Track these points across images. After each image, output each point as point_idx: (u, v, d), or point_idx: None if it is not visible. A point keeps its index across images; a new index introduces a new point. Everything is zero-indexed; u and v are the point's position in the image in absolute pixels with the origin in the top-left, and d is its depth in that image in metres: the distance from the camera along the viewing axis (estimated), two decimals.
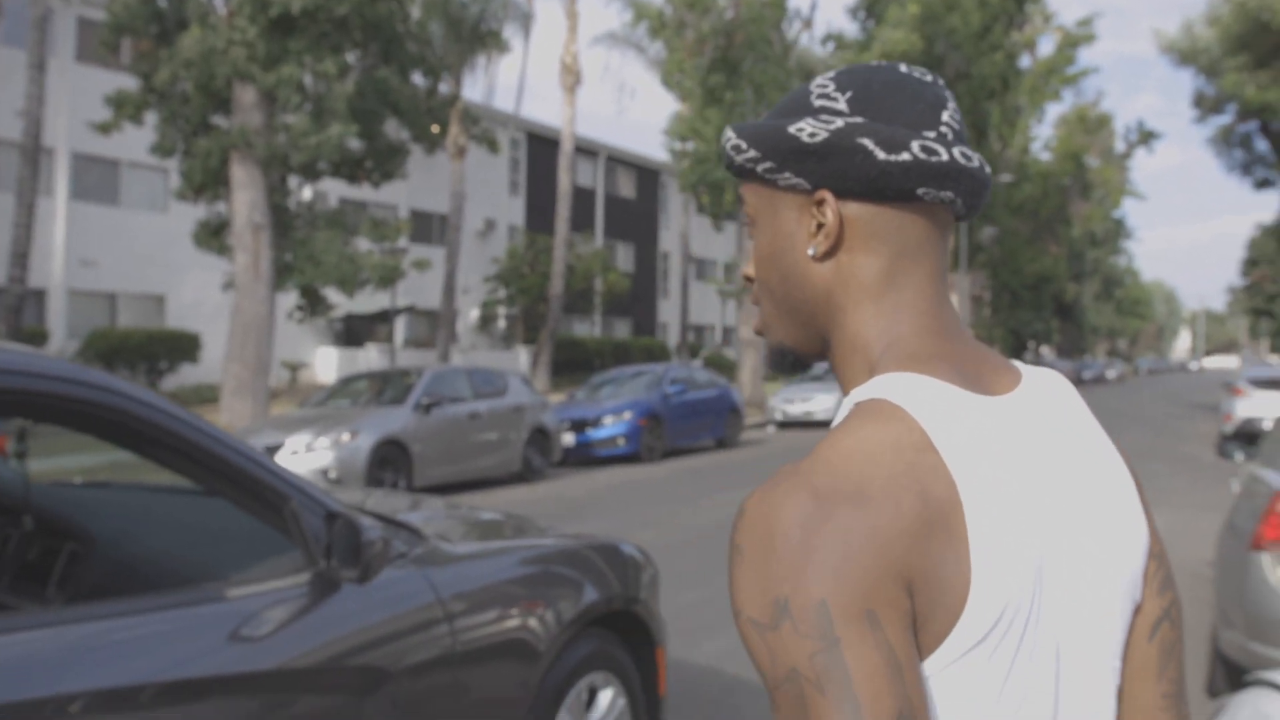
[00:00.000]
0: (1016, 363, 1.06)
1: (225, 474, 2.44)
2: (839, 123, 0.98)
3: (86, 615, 2.16)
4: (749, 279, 1.12)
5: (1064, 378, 1.07)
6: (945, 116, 1.01)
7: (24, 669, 1.95)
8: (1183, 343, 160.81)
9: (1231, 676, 5.82)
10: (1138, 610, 1.04)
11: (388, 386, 14.35)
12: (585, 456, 17.26)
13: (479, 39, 28.73)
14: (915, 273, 1.01)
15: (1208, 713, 3.94)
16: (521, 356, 36.69)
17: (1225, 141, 30.01)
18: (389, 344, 32.92)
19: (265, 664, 2.34)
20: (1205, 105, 29.85)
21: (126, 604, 2.25)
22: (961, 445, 0.90)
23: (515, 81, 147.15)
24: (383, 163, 16.81)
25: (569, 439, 17.03)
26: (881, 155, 0.97)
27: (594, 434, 17.15)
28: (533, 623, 3.23)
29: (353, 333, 34.91)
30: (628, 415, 17.42)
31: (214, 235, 16.04)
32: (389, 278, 15.55)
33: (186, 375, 27.52)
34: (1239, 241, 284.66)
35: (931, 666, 0.87)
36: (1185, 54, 30.26)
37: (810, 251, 1.02)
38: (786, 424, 26.23)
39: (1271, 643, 5.12)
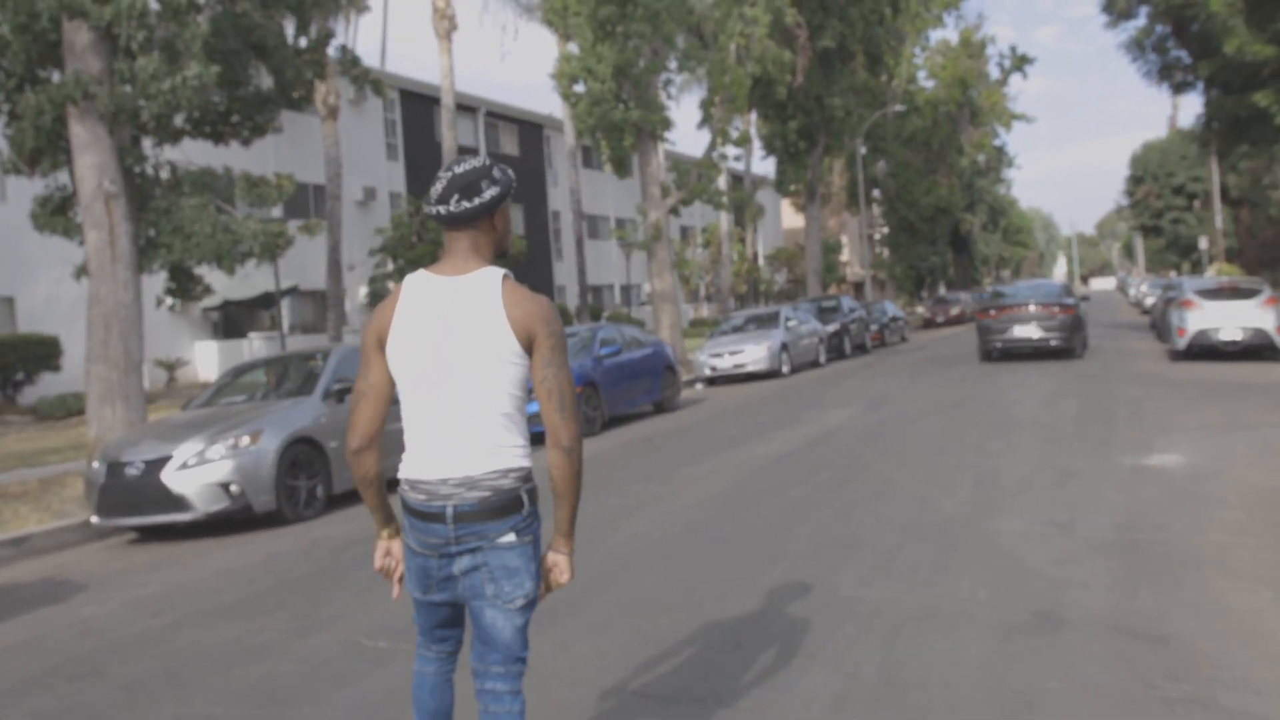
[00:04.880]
0: (490, 268, 2.98)
1: None
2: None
3: None
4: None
5: (499, 276, 2.96)
6: (433, 186, 2.99)
7: None
8: (1060, 269, 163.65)
9: None
10: (532, 368, 2.95)
11: (287, 374, 11.95)
12: None
13: None
14: (452, 244, 3.01)
15: None
16: None
17: (1139, 46, 28.84)
18: (275, 331, 30.20)
19: None
20: (1117, 9, 28.57)
21: None
22: (409, 297, 2.97)
23: (376, 44, 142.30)
24: (251, 115, 14.29)
25: None
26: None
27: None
28: None
29: (232, 322, 32.08)
30: None
31: (57, 213, 13.23)
32: (273, 246, 13.10)
33: (48, 385, 24.50)
34: (1103, 168, 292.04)
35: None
36: None
37: None
38: (716, 379, 24.41)
39: None
